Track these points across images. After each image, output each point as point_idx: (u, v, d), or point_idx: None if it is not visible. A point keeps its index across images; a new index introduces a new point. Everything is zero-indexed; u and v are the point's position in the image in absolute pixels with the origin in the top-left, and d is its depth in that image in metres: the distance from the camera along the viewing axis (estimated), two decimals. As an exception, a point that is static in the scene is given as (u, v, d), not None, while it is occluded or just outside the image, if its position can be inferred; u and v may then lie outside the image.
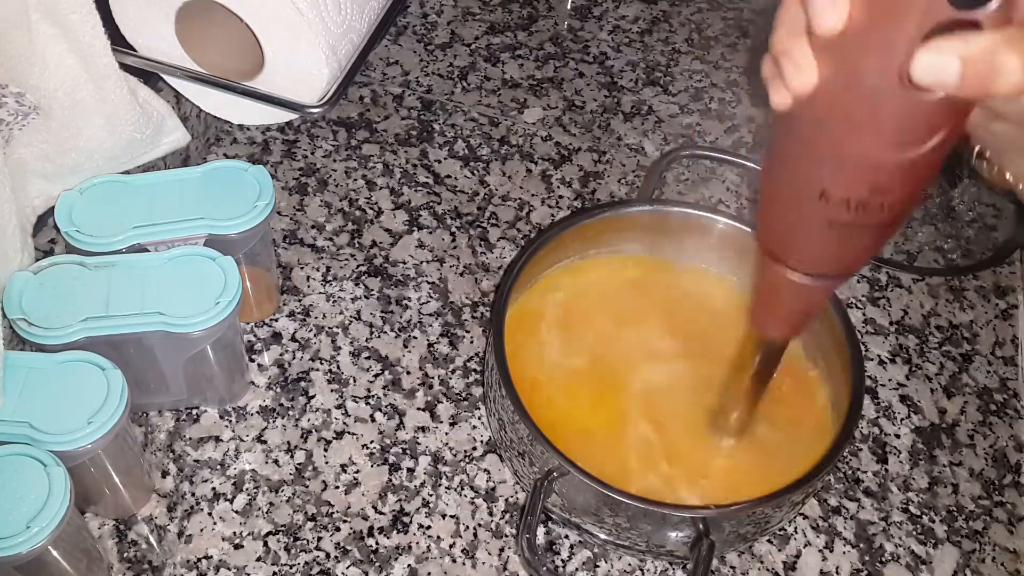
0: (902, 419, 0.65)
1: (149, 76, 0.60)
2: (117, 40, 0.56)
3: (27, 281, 0.52)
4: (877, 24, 0.31)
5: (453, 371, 0.64)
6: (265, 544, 0.55)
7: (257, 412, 0.61)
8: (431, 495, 0.58)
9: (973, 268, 0.74)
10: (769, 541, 0.58)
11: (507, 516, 0.57)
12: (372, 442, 0.60)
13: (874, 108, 0.33)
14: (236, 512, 0.56)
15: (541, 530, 0.57)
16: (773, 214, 0.41)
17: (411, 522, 0.57)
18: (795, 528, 0.59)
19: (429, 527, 0.57)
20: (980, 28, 0.31)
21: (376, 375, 0.63)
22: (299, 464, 0.59)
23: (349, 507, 0.57)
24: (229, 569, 0.54)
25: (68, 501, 0.45)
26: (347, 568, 0.55)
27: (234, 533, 0.55)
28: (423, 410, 0.62)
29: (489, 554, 0.56)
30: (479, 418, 0.62)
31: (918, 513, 0.60)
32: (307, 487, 0.58)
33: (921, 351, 0.68)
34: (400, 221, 0.72)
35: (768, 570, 0.57)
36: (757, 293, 0.46)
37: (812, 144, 0.36)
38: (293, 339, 0.64)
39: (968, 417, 0.65)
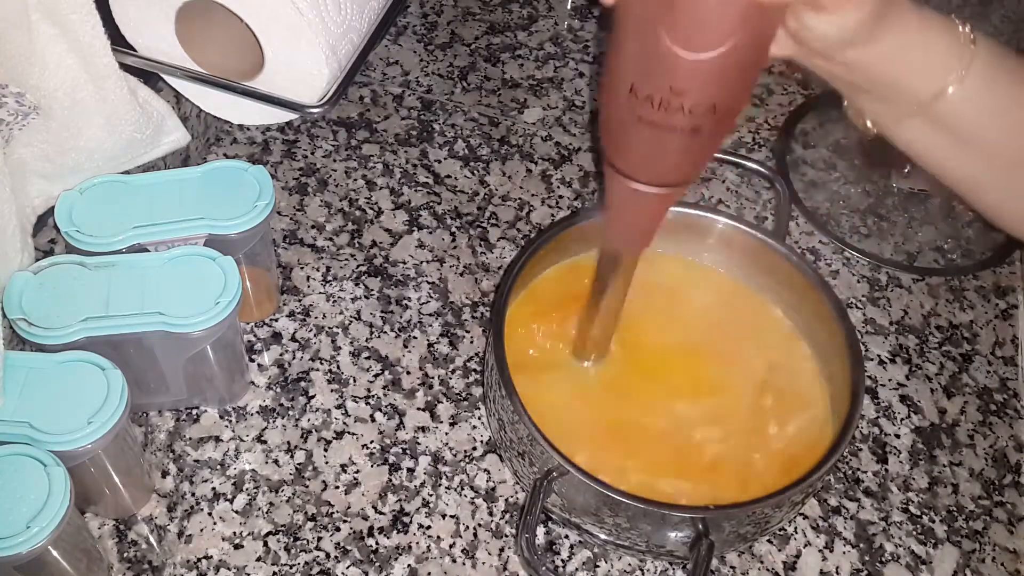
0: (902, 419, 0.65)
1: (149, 76, 0.60)
2: (117, 40, 0.56)
3: (27, 281, 0.52)
4: None
5: (453, 371, 0.64)
6: (265, 544, 0.55)
7: (257, 412, 0.61)
8: (431, 495, 0.58)
9: (973, 268, 0.74)
10: (769, 541, 0.58)
11: (507, 516, 0.57)
12: (372, 442, 0.60)
13: (665, 3, 0.36)
14: (236, 512, 0.56)
15: (541, 530, 0.57)
16: (603, 116, 0.43)
17: (411, 522, 0.57)
18: (795, 528, 0.59)
19: (429, 527, 0.57)
20: None
21: (376, 375, 0.63)
22: (299, 464, 0.59)
23: (349, 507, 0.57)
24: (229, 569, 0.54)
25: (68, 501, 0.45)
26: (347, 568, 0.55)
27: (234, 533, 0.55)
28: (423, 410, 0.62)
29: (489, 554, 0.56)
30: (479, 418, 0.62)
31: (918, 513, 0.60)
32: (307, 487, 0.58)
33: (921, 351, 0.68)
34: (400, 221, 0.72)
35: (768, 570, 0.57)
36: (606, 209, 0.47)
37: (623, 37, 0.39)
38: (293, 339, 0.64)
39: (968, 417, 0.65)
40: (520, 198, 0.74)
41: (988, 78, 0.44)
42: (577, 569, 0.56)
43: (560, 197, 0.75)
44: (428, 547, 0.56)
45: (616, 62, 0.40)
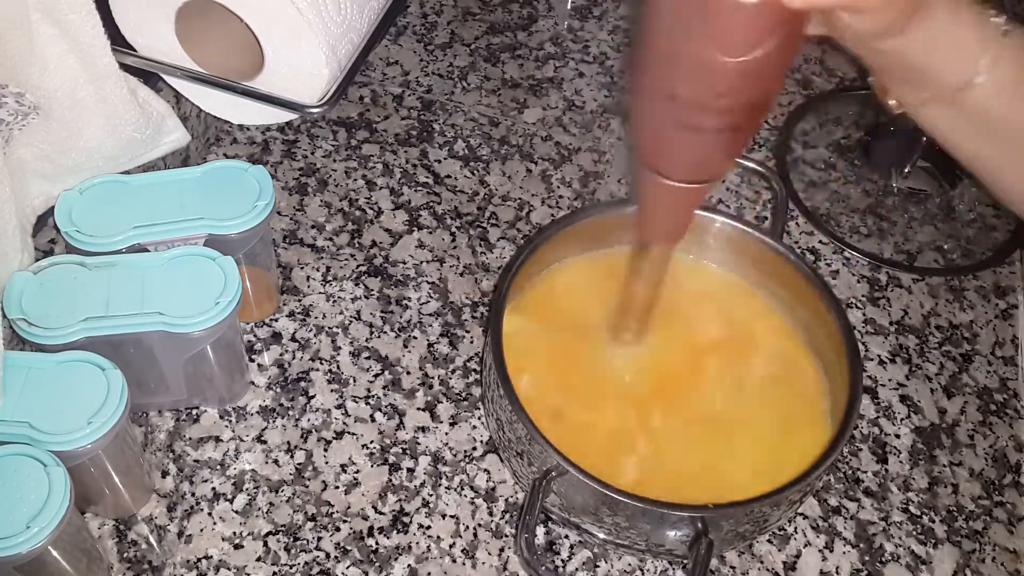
0: (902, 419, 0.65)
1: (149, 76, 0.60)
2: (117, 40, 0.56)
3: (27, 281, 0.52)
4: None
5: (453, 371, 0.64)
6: (265, 544, 0.55)
7: (257, 412, 0.61)
8: (431, 495, 0.58)
9: (973, 268, 0.74)
10: (769, 541, 0.58)
11: (507, 516, 0.58)
12: (372, 442, 0.60)
13: (701, 10, 0.37)
14: (236, 512, 0.56)
15: (541, 530, 0.57)
16: (640, 120, 0.44)
17: (411, 522, 0.57)
18: (795, 528, 0.59)
19: (429, 527, 0.57)
20: None
21: (376, 375, 0.63)
22: (299, 464, 0.59)
23: (349, 507, 0.57)
24: (229, 569, 0.54)
25: (68, 501, 0.45)
26: (347, 568, 0.55)
27: (234, 533, 0.55)
28: (423, 410, 0.62)
29: (489, 554, 0.56)
30: (479, 418, 0.62)
31: (918, 513, 0.60)
32: (307, 487, 0.58)
33: (921, 351, 0.68)
34: (400, 221, 0.72)
35: (768, 570, 0.57)
36: (640, 205, 0.50)
37: (661, 47, 0.40)
38: (293, 339, 0.64)
39: (968, 417, 0.65)
40: (520, 198, 0.74)
41: (1018, 70, 0.44)
42: (577, 569, 0.56)
43: (560, 197, 0.75)
44: (428, 547, 0.56)
45: (652, 70, 0.41)
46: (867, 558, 0.58)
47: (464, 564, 0.55)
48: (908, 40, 0.43)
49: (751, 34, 0.37)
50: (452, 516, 0.57)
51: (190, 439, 0.59)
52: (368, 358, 0.64)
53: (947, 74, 0.44)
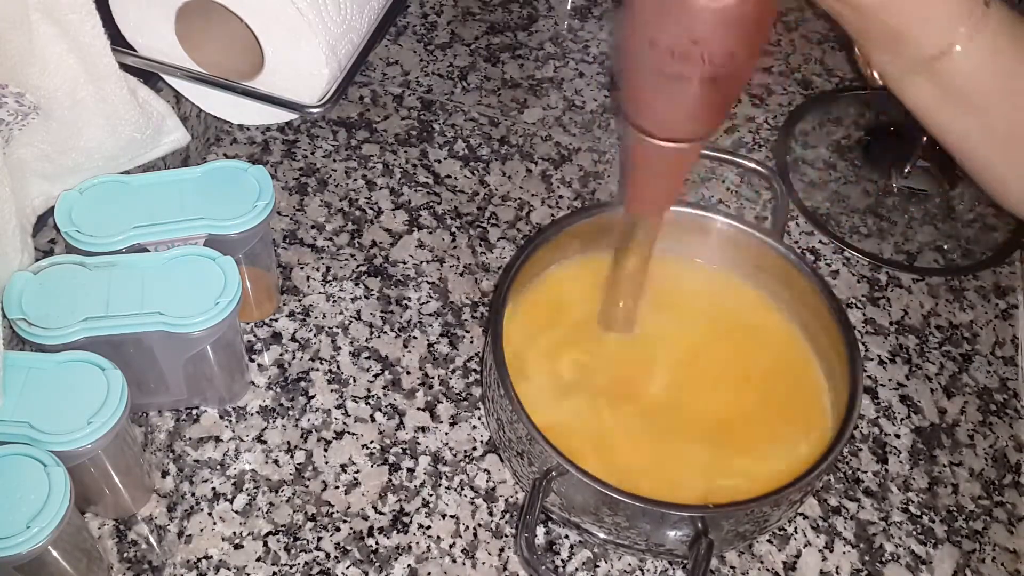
0: (902, 419, 0.65)
1: (149, 76, 0.60)
2: (117, 40, 0.56)
3: (27, 281, 0.52)
4: None
5: (453, 371, 0.64)
6: (265, 544, 0.55)
7: (257, 412, 0.61)
8: (431, 495, 0.58)
9: (973, 268, 0.74)
10: (769, 541, 0.58)
11: (507, 516, 0.58)
12: (372, 442, 0.60)
13: None
14: (236, 512, 0.56)
15: (541, 530, 0.57)
16: (625, 75, 0.44)
17: (411, 522, 0.57)
18: (795, 528, 0.59)
19: (429, 527, 0.57)
20: None
21: (376, 375, 0.63)
22: (299, 464, 0.59)
23: (349, 507, 0.57)
24: (229, 569, 0.54)
25: (68, 501, 0.45)
26: (347, 568, 0.55)
27: (234, 533, 0.55)
28: (423, 410, 0.62)
29: (489, 554, 0.56)
30: (479, 418, 0.62)
31: (918, 513, 0.60)
32: (307, 487, 0.58)
33: (921, 351, 0.68)
34: (400, 221, 0.72)
35: (768, 570, 0.57)
36: (628, 173, 0.48)
37: None
38: (293, 339, 0.64)
39: (968, 417, 0.65)
40: (520, 198, 0.74)
41: (998, 42, 0.44)
42: (577, 569, 0.56)
43: (560, 197, 0.75)
44: (428, 547, 0.56)
45: (634, 18, 0.41)
46: (867, 558, 0.58)
47: (464, 564, 0.55)
48: None
49: None
50: (452, 516, 0.57)
51: (190, 439, 0.59)
52: (368, 358, 0.64)
53: (925, 37, 0.44)
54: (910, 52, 0.44)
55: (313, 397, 0.62)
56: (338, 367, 0.63)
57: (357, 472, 0.59)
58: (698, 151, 0.46)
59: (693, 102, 0.42)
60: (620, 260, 0.55)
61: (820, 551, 0.58)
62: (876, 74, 0.48)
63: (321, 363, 0.63)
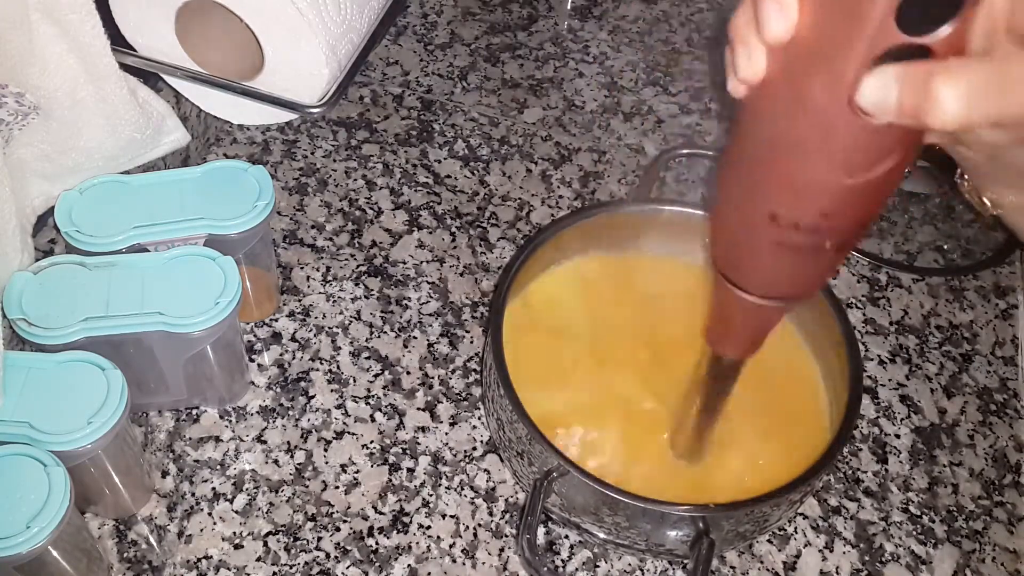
0: (902, 419, 0.65)
1: (149, 76, 0.60)
2: (117, 40, 0.56)
3: (27, 281, 0.52)
4: (826, 41, 0.30)
5: (453, 371, 0.64)
6: (265, 544, 0.55)
7: (257, 412, 0.61)
8: (431, 495, 0.58)
9: (973, 268, 0.74)
10: (769, 541, 0.58)
11: (507, 516, 0.58)
12: (372, 442, 0.60)
13: (822, 129, 0.32)
14: (236, 512, 0.56)
15: (541, 530, 0.57)
16: (725, 235, 0.40)
17: (411, 522, 0.57)
18: (795, 528, 0.59)
19: (429, 527, 0.57)
20: (931, 55, 0.29)
21: (376, 375, 0.63)
22: (299, 464, 0.59)
23: (349, 507, 0.57)
24: (229, 569, 0.54)
25: (68, 501, 0.45)
26: (347, 568, 0.55)
27: (234, 533, 0.55)
28: (423, 410, 0.62)
29: (489, 554, 0.56)
30: (479, 418, 0.62)
31: (918, 513, 0.60)
32: (307, 487, 0.58)
33: (921, 351, 0.68)
34: (400, 221, 0.72)
35: (768, 570, 0.57)
36: (712, 311, 0.45)
37: (763, 164, 0.35)
38: (293, 339, 0.64)
39: (968, 417, 0.65)
40: (520, 198, 0.74)
41: None
42: (577, 569, 0.56)
43: (560, 197, 0.75)
44: (428, 547, 0.56)
45: (750, 189, 0.36)
46: (867, 558, 0.58)
47: (464, 564, 0.55)
48: None
49: (874, 152, 0.32)
50: (452, 516, 0.57)
51: (190, 439, 0.59)
52: (368, 358, 0.64)
53: None
54: None
55: (313, 397, 0.62)
56: (338, 367, 0.63)
57: (357, 472, 0.59)
58: (797, 305, 0.42)
59: (812, 269, 0.39)
60: (705, 395, 0.52)
61: (820, 551, 0.58)
62: (989, 203, 0.44)
63: (321, 363, 0.63)
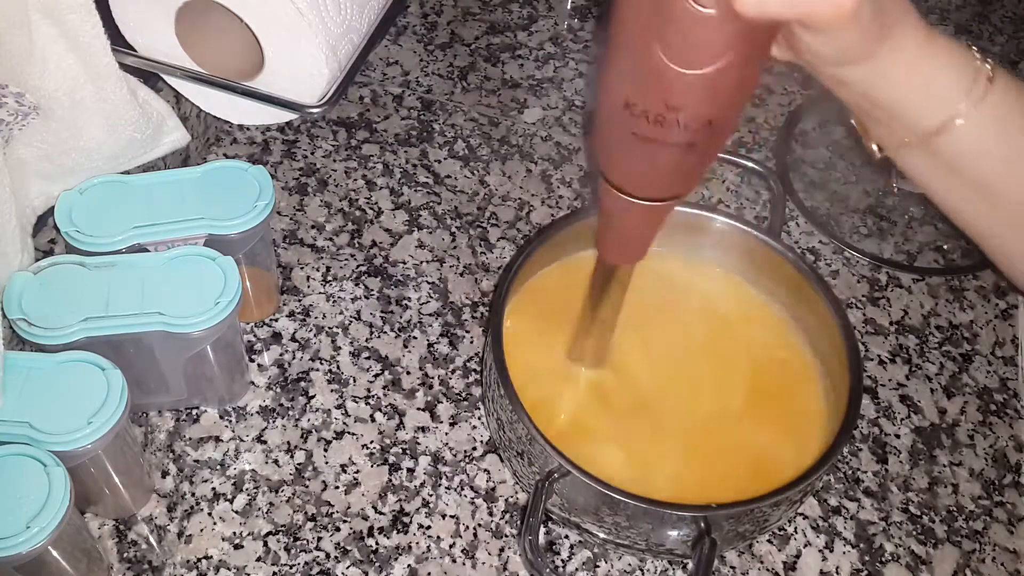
0: (902, 419, 0.65)
1: (149, 76, 0.60)
2: (117, 40, 0.56)
3: (27, 281, 0.52)
4: None
5: (453, 371, 0.64)
6: (265, 544, 0.55)
7: (257, 412, 0.61)
8: (431, 495, 0.58)
9: (973, 268, 0.74)
10: (769, 541, 0.58)
11: (507, 516, 0.58)
12: (372, 442, 0.60)
13: (660, 15, 0.35)
14: (236, 512, 0.56)
15: (541, 530, 0.57)
16: (598, 130, 0.43)
17: (411, 522, 0.57)
18: (795, 528, 0.59)
19: (429, 527, 0.57)
20: None
21: (376, 375, 0.63)
22: (299, 464, 0.59)
23: (349, 507, 0.57)
24: (229, 569, 0.54)
25: (68, 501, 0.45)
26: (347, 568, 0.55)
27: (234, 533, 0.55)
28: (423, 410, 0.62)
29: (489, 554, 0.56)
30: (479, 418, 0.62)
31: (918, 513, 0.60)
32: (307, 487, 0.58)
33: (921, 351, 0.68)
34: (400, 221, 0.72)
35: (768, 570, 0.57)
36: (599, 218, 0.48)
37: (617, 52, 0.38)
38: (293, 339, 0.64)
39: (968, 417, 0.65)
40: (520, 198, 0.74)
41: (1002, 115, 0.41)
42: (577, 569, 0.56)
43: (560, 197, 0.75)
44: (428, 547, 0.56)
45: (611, 77, 0.40)
46: (867, 558, 0.58)
47: (464, 564, 0.55)
48: (873, 71, 0.40)
49: (708, 47, 0.35)
50: (452, 516, 0.57)
51: (190, 439, 0.59)
52: (368, 358, 0.64)
53: (921, 113, 0.41)
54: (905, 126, 0.42)
55: (313, 397, 0.62)
56: (338, 367, 0.63)
57: (357, 472, 0.59)
58: (670, 210, 0.44)
59: (668, 166, 0.41)
60: (593, 302, 0.54)
61: (820, 551, 0.58)
62: (875, 146, 0.46)
63: (321, 363, 0.63)
